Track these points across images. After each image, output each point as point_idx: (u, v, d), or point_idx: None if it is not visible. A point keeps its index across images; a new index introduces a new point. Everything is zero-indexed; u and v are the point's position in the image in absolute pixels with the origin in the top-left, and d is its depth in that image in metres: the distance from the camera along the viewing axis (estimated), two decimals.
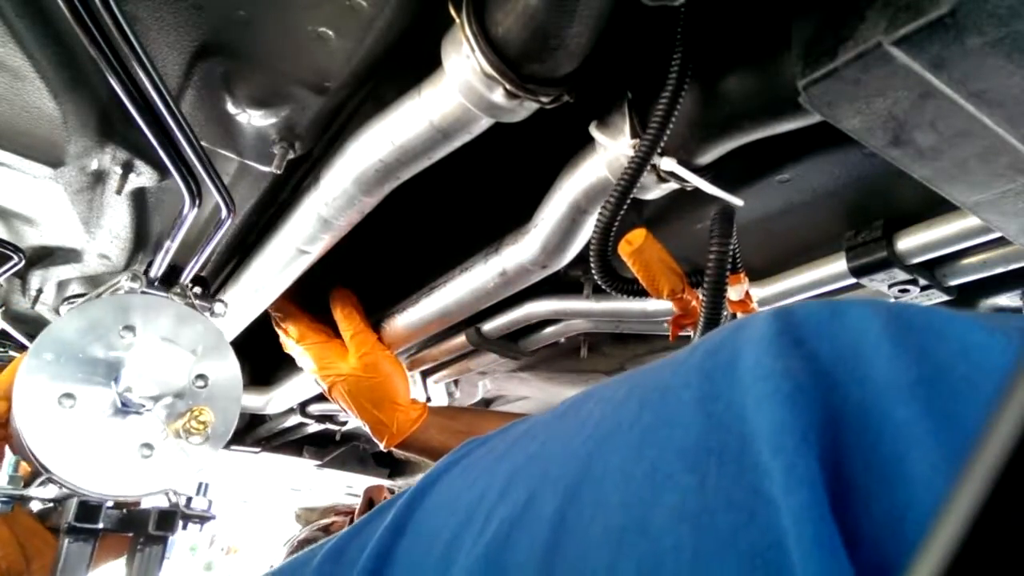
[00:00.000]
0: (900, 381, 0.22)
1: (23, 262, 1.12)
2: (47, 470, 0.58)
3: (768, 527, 0.21)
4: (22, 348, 1.62)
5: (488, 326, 1.16)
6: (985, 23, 0.37)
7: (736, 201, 0.64)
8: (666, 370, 0.30)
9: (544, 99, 0.58)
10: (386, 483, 2.10)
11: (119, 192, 0.87)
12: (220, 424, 0.65)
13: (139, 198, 0.95)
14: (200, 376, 0.66)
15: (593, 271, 0.62)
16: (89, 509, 0.58)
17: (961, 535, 0.15)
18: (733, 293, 0.54)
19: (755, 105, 0.58)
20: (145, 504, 0.69)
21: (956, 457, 0.19)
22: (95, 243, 1.05)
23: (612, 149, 0.65)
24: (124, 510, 0.64)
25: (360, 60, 0.65)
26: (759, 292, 0.87)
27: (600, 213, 0.63)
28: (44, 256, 1.18)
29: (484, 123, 0.62)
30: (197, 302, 0.67)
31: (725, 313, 0.55)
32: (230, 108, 0.75)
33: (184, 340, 0.65)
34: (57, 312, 1.29)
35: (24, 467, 0.70)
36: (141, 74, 0.61)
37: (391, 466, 2.16)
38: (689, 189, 0.66)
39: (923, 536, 0.17)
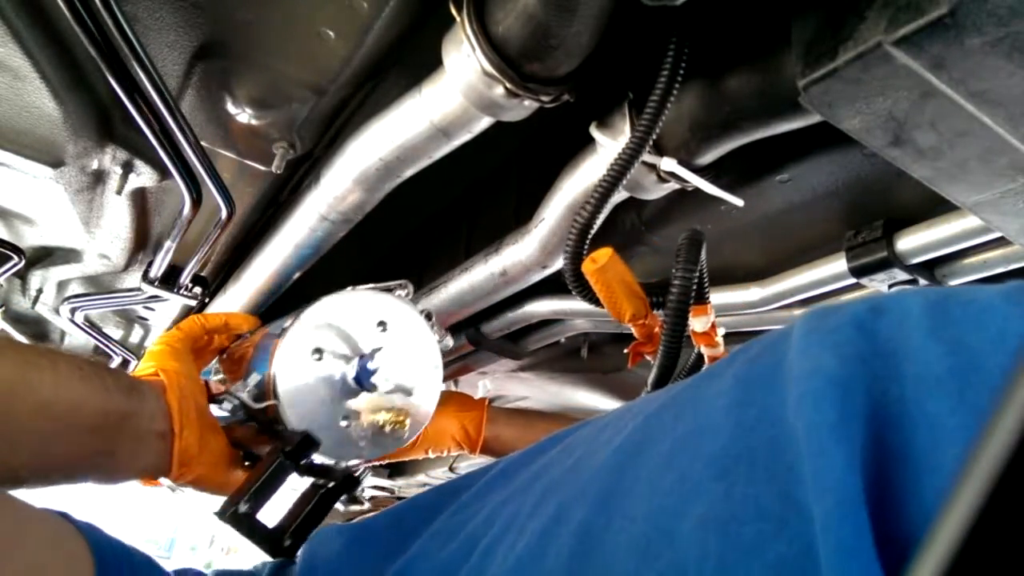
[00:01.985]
0: (934, 374, 0.22)
1: (23, 262, 1.12)
2: (278, 397, 0.69)
3: (797, 536, 0.20)
4: None
5: (488, 326, 1.16)
6: (985, 23, 0.37)
7: (736, 201, 0.64)
8: (702, 382, 0.30)
9: (544, 98, 0.58)
10: (387, 483, 2.09)
11: (119, 192, 0.87)
12: (408, 434, 0.75)
13: (139, 198, 0.95)
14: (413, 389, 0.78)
15: (564, 272, 0.62)
16: (311, 442, 0.69)
17: (961, 535, 0.15)
18: (698, 324, 0.52)
19: (755, 105, 0.58)
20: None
21: None
22: (95, 243, 1.05)
23: (612, 149, 0.65)
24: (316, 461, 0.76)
25: (360, 60, 0.65)
26: (759, 292, 0.87)
27: (580, 211, 0.61)
28: (44, 256, 1.18)
29: (484, 122, 0.62)
30: (435, 327, 0.81)
31: (687, 345, 0.53)
32: (230, 108, 0.75)
33: (418, 355, 0.77)
34: (57, 312, 1.29)
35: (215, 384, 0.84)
36: (141, 74, 0.61)
37: (391, 466, 2.16)
38: (689, 189, 0.66)
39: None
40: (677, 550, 0.22)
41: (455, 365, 1.37)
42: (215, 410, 0.78)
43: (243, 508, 0.65)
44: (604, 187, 0.60)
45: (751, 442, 0.23)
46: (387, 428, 0.73)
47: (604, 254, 0.54)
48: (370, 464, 0.79)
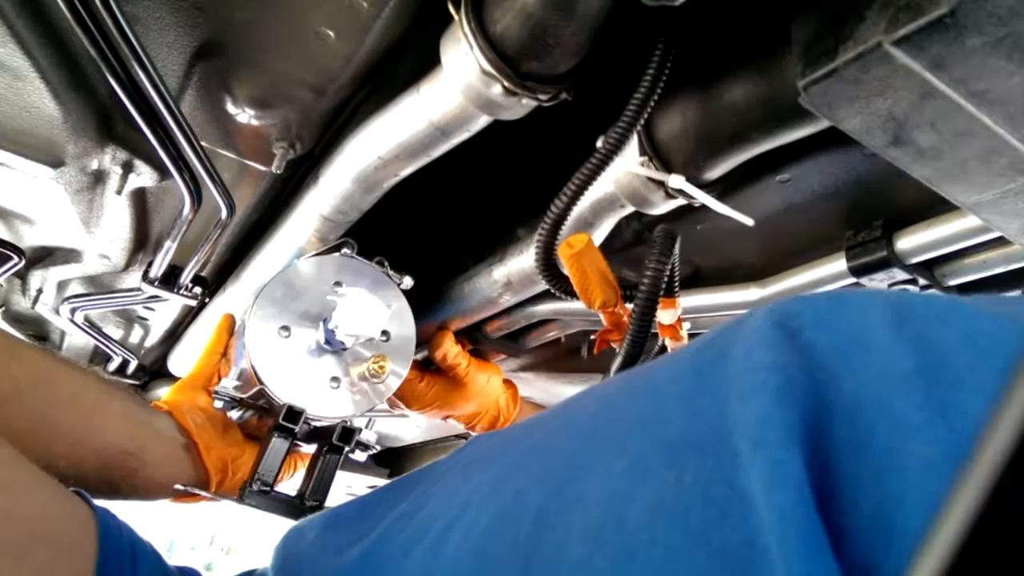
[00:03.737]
0: (898, 371, 0.21)
1: (23, 262, 1.12)
2: (263, 382, 0.72)
3: (741, 523, 0.20)
4: None
5: (488, 326, 1.16)
6: (985, 23, 0.37)
7: (747, 221, 0.64)
8: (660, 366, 0.30)
9: (542, 97, 0.58)
10: (384, 482, 2.09)
11: (119, 192, 0.87)
12: (394, 373, 0.79)
13: (139, 198, 0.95)
14: (384, 332, 0.81)
15: (535, 263, 0.62)
16: (293, 413, 0.72)
17: (961, 535, 0.15)
18: (665, 316, 0.53)
19: (760, 115, 0.57)
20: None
21: (956, 448, 0.19)
22: (95, 243, 1.05)
23: (619, 164, 0.65)
24: (312, 426, 0.81)
25: (360, 60, 0.65)
26: (759, 292, 0.87)
27: (553, 204, 0.61)
28: (44, 256, 1.18)
29: (483, 121, 0.62)
30: (390, 272, 0.84)
31: (653, 335, 0.54)
32: (230, 108, 0.75)
33: (382, 297, 0.80)
34: (57, 312, 1.29)
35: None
36: (141, 74, 0.61)
37: (391, 466, 2.16)
38: (696, 206, 0.66)
39: (916, 527, 0.17)
40: (627, 535, 0.22)
41: None
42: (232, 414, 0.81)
43: (255, 487, 0.68)
44: (578, 182, 0.60)
45: (702, 429, 0.23)
46: (369, 374, 0.76)
47: (580, 239, 0.54)
48: (366, 413, 0.82)
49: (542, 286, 0.90)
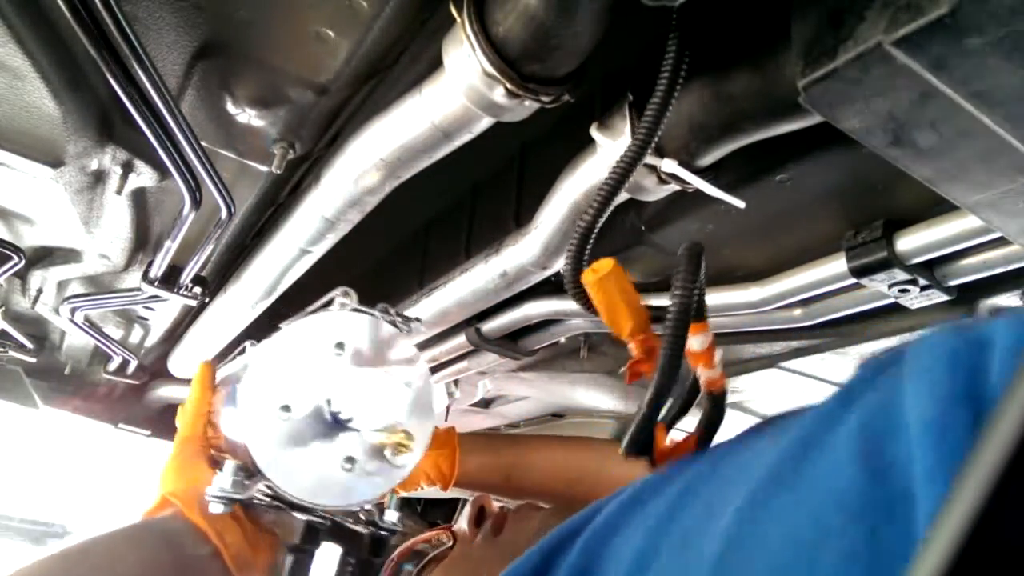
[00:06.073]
0: None
1: (23, 262, 1.12)
2: (263, 475, 0.62)
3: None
4: (22, 348, 1.62)
5: (488, 326, 1.16)
6: (985, 23, 0.37)
7: (738, 203, 0.64)
8: (821, 419, 0.30)
9: (545, 98, 0.58)
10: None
11: (119, 192, 0.87)
12: (417, 444, 0.67)
13: (139, 198, 0.95)
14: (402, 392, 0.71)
15: (564, 279, 0.60)
16: (314, 532, 0.64)
17: (962, 535, 0.15)
18: (695, 343, 0.48)
19: (756, 106, 0.58)
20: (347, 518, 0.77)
21: None
22: (95, 243, 1.05)
23: (612, 151, 0.65)
24: (332, 522, 0.72)
25: (360, 60, 0.65)
26: (759, 292, 0.87)
27: (582, 216, 0.59)
28: (44, 256, 1.18)
29: (485, 122, 0.62)
30: (398, 320, 0.72)
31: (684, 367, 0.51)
32: (230, 108, 0.75)
33: (390, 359, 0.70)
34: (57, 312, 1.29)
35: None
36: (141, 74, 0.61)
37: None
38: (690, 191, 0.66)
39: None
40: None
41: (455, 365, 1.37)
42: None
43: None
44: (606, 191, 0.59)
45: (886, 489, 0.24)
46: (389, 454, 0.65)
47: (605, 265, 0.51)
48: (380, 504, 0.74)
49: (538, 278, 0.90)
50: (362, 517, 0.74)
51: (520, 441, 1.08)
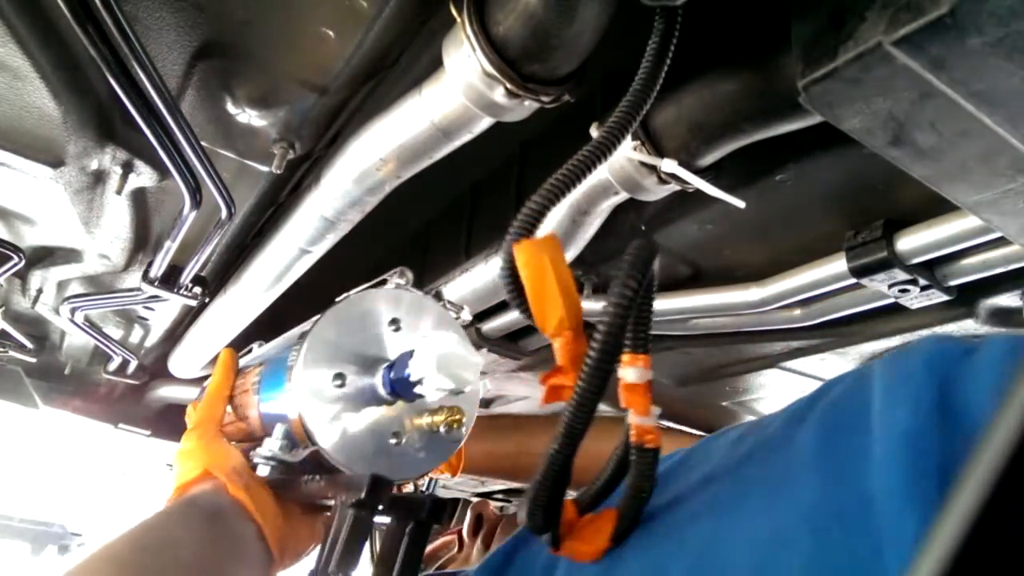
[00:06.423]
0: None
1: (23, 262, 1.12)
2: (315, 442, 0.62)
3: None
4: (22, 348, 1.62)
5: (488, 326, 1.16)
6: (985, 23, 0.37)
7: (738, 203, 0.64)
8: (787, 424, 0.30)
9: (545, 98, 0.58)
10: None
11: (119, 192, 0.87)
12: (467, 425, 0.68)
13: (139, 198, 0.95)
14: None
15: (501, 260, 0.49)
16: (379, 486, 0.59)
17: (961, 535, 0.15)
18: (630, 373, 0.37)
19: (756, 106, 0.58)
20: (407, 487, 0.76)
21: None
22: (95, 243, 1.05)
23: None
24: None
25: (360, 60, 0.65)
26: (759, 292, 0.87)
27: (536, 194, 0.46)
28: (44, 256, 1.18)
29: (485, 122, 0.62)
30: (448, 304, 0.72)
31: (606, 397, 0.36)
32: (230, 108, 0.75)
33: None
34: (57, 312, 1.29)
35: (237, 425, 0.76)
36: (141, 74, 0.61)
37: None
38: (690, 191, 0.66)
39: None
40: None
41: None
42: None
43: None
44: (568, 173, 0.50)
45: (841, 498, 0.24)
46: (442, 429, 0.65)
47: (546, 239, 0.40)
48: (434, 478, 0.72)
49: None
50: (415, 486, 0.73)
51: (524, 426, 1.08)
